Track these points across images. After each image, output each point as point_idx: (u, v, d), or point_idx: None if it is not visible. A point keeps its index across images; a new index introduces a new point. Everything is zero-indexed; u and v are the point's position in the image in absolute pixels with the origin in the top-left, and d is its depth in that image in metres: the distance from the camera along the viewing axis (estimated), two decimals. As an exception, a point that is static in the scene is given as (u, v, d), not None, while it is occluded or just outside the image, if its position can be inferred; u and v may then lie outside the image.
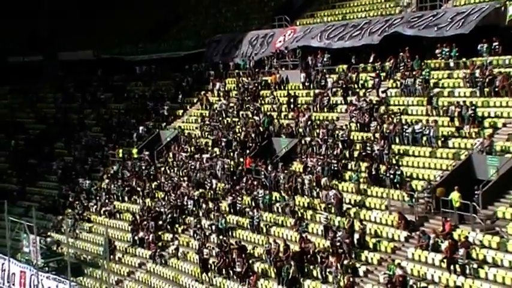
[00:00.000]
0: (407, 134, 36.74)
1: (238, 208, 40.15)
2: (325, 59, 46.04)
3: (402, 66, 41.02)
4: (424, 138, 35.87)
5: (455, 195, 31.22)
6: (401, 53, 41.39)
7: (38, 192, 56.93)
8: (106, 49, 65.57)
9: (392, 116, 38.51)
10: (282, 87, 47.88)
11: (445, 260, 29.40)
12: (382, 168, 35.65)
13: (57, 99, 67.91)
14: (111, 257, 41.96)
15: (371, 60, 43.68)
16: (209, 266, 37.26)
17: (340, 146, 38.80)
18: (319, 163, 38.26)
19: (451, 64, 39.48)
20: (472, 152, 33.42)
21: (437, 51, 40.21)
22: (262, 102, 47.88)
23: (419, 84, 39.05)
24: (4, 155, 64.19)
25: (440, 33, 39.93)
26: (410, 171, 35.21)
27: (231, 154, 44.43)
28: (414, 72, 39.86)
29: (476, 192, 31.03)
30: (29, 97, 70.09)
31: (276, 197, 38.82)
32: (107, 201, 48.75)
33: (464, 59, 38.85)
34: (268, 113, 45.67)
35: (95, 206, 49.32)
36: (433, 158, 35.11)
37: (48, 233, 48.28)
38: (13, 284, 44.92)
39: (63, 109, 65.46)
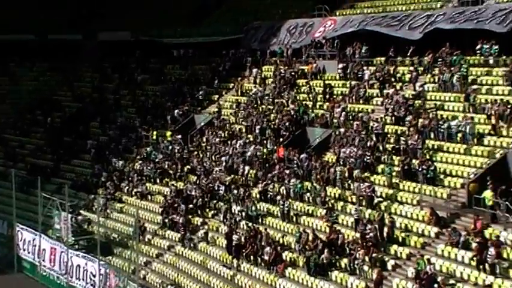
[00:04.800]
0: (442, 130, 36.45)
1: (269, 196, 40.21)
2: (363, 51, 45.83)
3: (441, 61, 40.66)
4: (460, 134, 35.57)
5: (488, 194, 30.98)
6: (440, 48, 41.03)
7: (72, 170, 57.42)
8: (145, 31, 65.79)
9: (428, 111, 38.24)
10: (318, 77, 47.75)
11: (475, 259, 29.20)
12: (416, 162, 35.45)
13: (94, 78, 68.43)
14: (141, 238, 42.34)
15: (409, 54, 43.37)
16: (238, 252, 37.37)
17: (374, 138, 38.64)
18: (352, 155, 38.15)
19: (491, 61, 39.05)
20: (508, 151, 33.07)
21: (477, 47, 39.79)
22: (298, 91, 47.80)
23: (457, 80, 38.69)
24: (40, 132, 64.86)
25: (479, 25, 39.53)
26: (444, 167, 34.96)
27: (265, 141, 44.45)
28: (452, 68, 39.49)
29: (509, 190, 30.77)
30: (67, 75, 70.72)
31: (307, 186, 38.80)
32: (138, 182, 49.04)
33: (504, 57, 38.41)
34: (304, 102, 45.58)
35: (127, 187, 49.67)
36: (468, 155, 34.80)
37: (80, 211, 48.80)
38: (43, 260, 45.55)
39: (100, 89, 65.96)
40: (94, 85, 67.28)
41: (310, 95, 46.11)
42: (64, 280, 43.43)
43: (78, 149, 59.26)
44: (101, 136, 59.12)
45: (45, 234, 46.60)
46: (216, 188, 42.97)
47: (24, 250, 47.90)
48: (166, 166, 48.68)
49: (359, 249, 32.26)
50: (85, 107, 64.61)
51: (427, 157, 35.63)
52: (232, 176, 43.43)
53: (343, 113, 41.88)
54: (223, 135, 48.08)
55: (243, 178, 42.92)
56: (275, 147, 43.16)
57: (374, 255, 32.00)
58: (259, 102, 48.96)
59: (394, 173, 36.07)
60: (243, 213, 39.95)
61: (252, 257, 36.73)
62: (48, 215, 46.97)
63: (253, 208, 39.46)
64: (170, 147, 50.37)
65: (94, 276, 40.93)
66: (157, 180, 48.50)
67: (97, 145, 57.57)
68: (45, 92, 70.21)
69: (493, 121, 35.12)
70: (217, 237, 40.13)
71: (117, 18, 69.36)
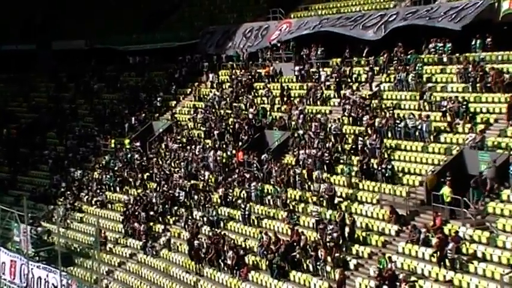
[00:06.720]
0: (399, 129, 36.79)
1: (229, 200, 40.17)
2: (319, 52, 46.04)
3: (396, 61, 41.04)
4: (417, 132, 35.91)
5: (446, 190, 31.30)
6: (395, 48, 41.43)
7: (29, 182, 56.81)
8: (99, 39, 65.33)
9: (385, 110, 38.56)
10: (276, 80, 47.86)
11: (435, 255, 29.49)
12: (374, 162, 35.70)
13: (49, 88, 67.72)
14: (102, 247, 41.96)
15: (364, 54, 43.69)
16: (200, 258, 37.26)
17: (333, 139, 38.85)
18: (311, 156, 38.29)
19: (444, 59, 39.50)
20: (464, 147, 33.49)
21: (430, 46, 40.23)
22: (256, 94, 47.85)
23: (413, 78, 39.08)
24: (-5, 144, 64.08)
25: (431, 22, 39.99)
26: (402, 166, 35.27)
27: (224, 146, 44.41)
28: (407, 67, 39.87)
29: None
30: (21, 86, 69.89)
31: (267, 189, 38.84)
32: (98, 191, 48.71)
33: (457, 54, 38.91)
34: (261, 106, 45.64)
35: (87, 196, 49.29)
36: (425, 152, 35.16)
37: (39, 223, 48.19)
38: (3, 273, 44.92)
39: (55, 98, 65.30)
40: (49, 95, 66.61)
41: (268, 98, 46.19)
42: (25, 293, 42.97)
43: (35, 160, 58.65)
44: (59, 146, 58.55)
45: (5, 247, 45.97)
46: (177, 194, 42.81)
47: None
48: (125, 174, 48.40)
49: (320, 250, 32.35)
50: (41, 118, 63.92)
51: (385, 156, 35.92)
52: (193, 181, 43.32)
53: (301, 115, 42.02)
54: (182, 141, 47.93)
55: (203, 183, 42.83)
56: (234, 152, 43.16)
57: (336, 255, 32.14)
58: (217, 106, 48.93)
59: (353, 173, 36.30)
60: (205, 219, 39.86)
61: (214, 262, 36.64)
62: (7, 227, 46.37)
63: (214, 213, 39.40)
64: (129, 155, 50.08)
65: (56, 287, 40.49)
66: (117, 189, 48.20)
67: (55, 155, 57.00)
68: (0, 104, 69.35)
69: (449, 118, 35.53)
70: (179, 244, 39.97)
71: (71, 27, 68.81)
